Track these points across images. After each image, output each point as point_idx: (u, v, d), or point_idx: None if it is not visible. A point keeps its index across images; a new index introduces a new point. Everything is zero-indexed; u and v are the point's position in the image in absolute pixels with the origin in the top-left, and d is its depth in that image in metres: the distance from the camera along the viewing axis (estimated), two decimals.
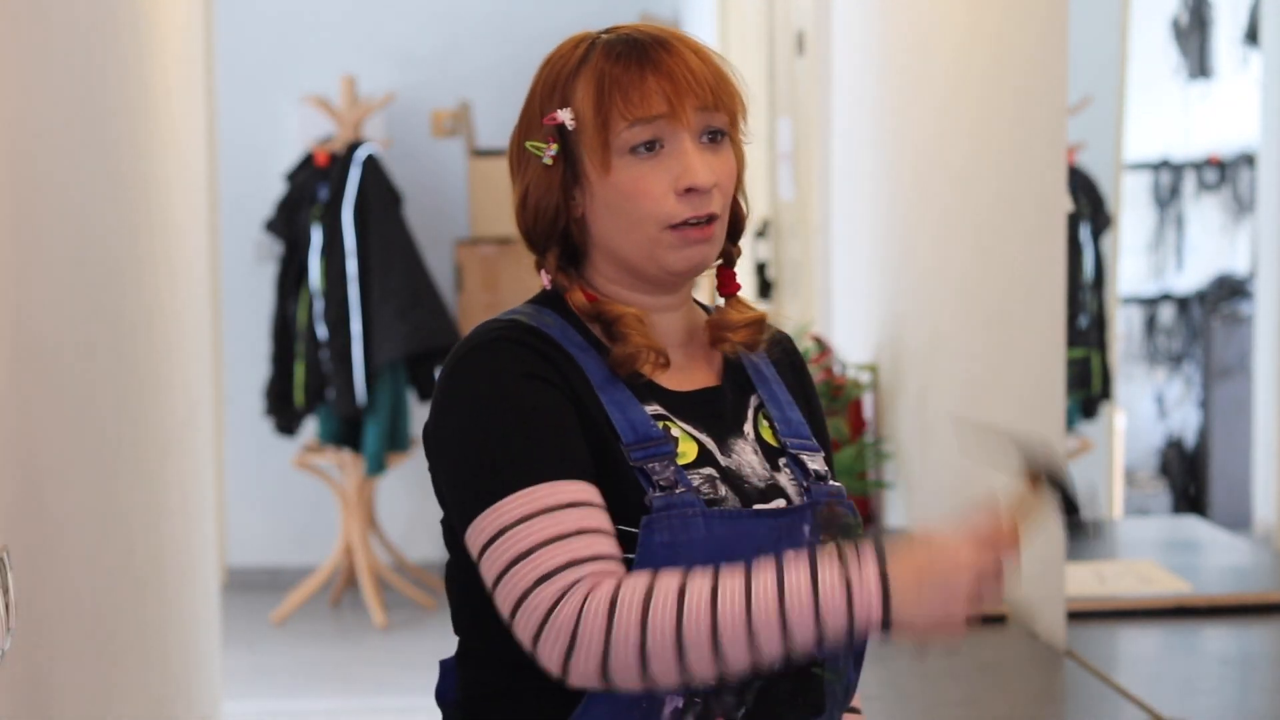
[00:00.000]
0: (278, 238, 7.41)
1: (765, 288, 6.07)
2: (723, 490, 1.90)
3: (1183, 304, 3.58)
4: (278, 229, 7.38)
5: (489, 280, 7.66)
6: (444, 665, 2.00)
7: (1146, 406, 3.65)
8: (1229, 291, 3.52)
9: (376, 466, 7.31)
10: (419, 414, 7.80)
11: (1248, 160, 3.44)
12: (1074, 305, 3.41)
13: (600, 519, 1.82)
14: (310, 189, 7.34)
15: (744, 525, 1.88)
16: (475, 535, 1.83)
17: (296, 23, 7.96)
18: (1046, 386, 3.33)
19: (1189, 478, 3.61)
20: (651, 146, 1.90)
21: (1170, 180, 3.55)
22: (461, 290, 7.67)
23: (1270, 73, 2.70)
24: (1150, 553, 3.65)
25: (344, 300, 7.26)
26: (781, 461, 1.97)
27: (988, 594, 1.77)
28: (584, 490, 1.83)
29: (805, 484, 1.96)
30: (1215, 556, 3.59)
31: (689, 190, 1.90)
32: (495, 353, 1.88)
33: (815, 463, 1.98)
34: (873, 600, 1.75)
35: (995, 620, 3.48)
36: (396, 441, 7.39)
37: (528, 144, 1.95)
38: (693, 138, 1.91)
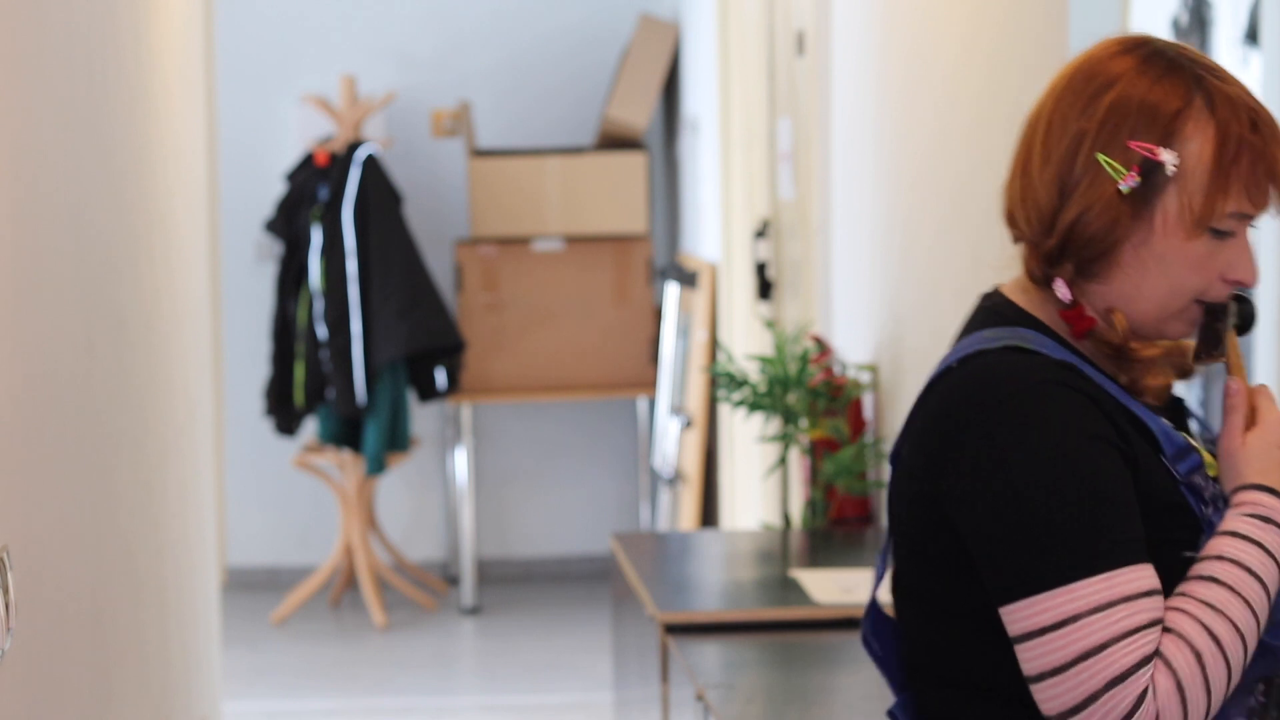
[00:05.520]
0: (278, 238, 7.41)
1: (765, 288, 6.07)
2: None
3: None
4: (278, 229, 7.38)
5: (489, 280, 7.66)
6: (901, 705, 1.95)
7: None
8: None
9: (376, 466, 7.31)
10: (419, 414, 7.80)
11: None
12: None
13: (1163, 607, 1.76)
14: (310, 189, 7.34)
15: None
16: (1030, 615, 1.74)
17: (296, 23, 7.95)
18: None
19: None
20: (1231, 232, 1.83)
21: None
22: (461, 290, 7.67)
23: (1270, 73, 2.70)
24: None
25: (344, 300, 7.26)
26: None
27: None
28: (1153, 575, 1.76)
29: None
30: None
31: (1235, 282, 1.84)
32: (1052, 403, 1.78)
33: None
34: None
35: None
36: (396, 441, 7.39)
37: (1102, 158, 1.81)
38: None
